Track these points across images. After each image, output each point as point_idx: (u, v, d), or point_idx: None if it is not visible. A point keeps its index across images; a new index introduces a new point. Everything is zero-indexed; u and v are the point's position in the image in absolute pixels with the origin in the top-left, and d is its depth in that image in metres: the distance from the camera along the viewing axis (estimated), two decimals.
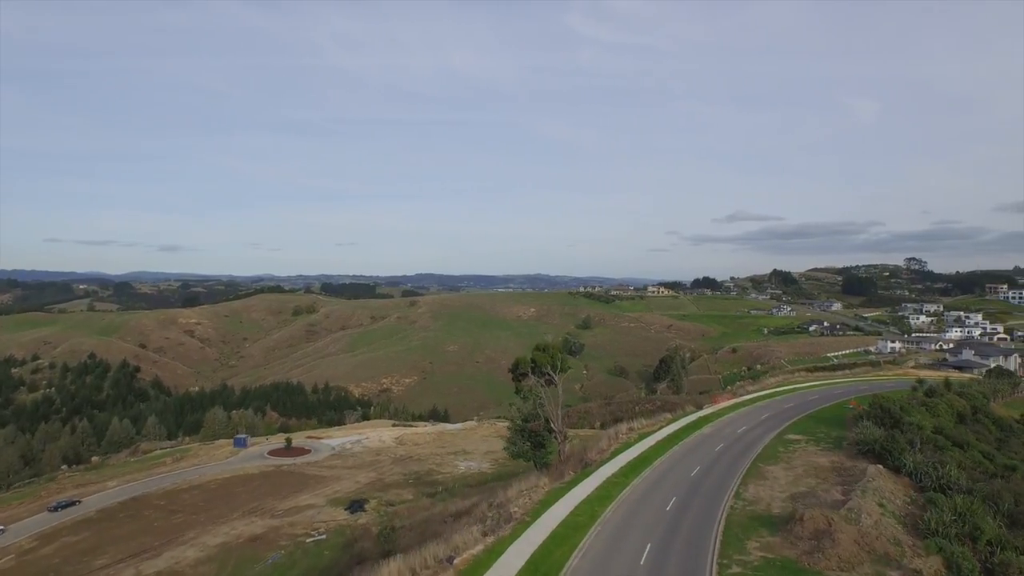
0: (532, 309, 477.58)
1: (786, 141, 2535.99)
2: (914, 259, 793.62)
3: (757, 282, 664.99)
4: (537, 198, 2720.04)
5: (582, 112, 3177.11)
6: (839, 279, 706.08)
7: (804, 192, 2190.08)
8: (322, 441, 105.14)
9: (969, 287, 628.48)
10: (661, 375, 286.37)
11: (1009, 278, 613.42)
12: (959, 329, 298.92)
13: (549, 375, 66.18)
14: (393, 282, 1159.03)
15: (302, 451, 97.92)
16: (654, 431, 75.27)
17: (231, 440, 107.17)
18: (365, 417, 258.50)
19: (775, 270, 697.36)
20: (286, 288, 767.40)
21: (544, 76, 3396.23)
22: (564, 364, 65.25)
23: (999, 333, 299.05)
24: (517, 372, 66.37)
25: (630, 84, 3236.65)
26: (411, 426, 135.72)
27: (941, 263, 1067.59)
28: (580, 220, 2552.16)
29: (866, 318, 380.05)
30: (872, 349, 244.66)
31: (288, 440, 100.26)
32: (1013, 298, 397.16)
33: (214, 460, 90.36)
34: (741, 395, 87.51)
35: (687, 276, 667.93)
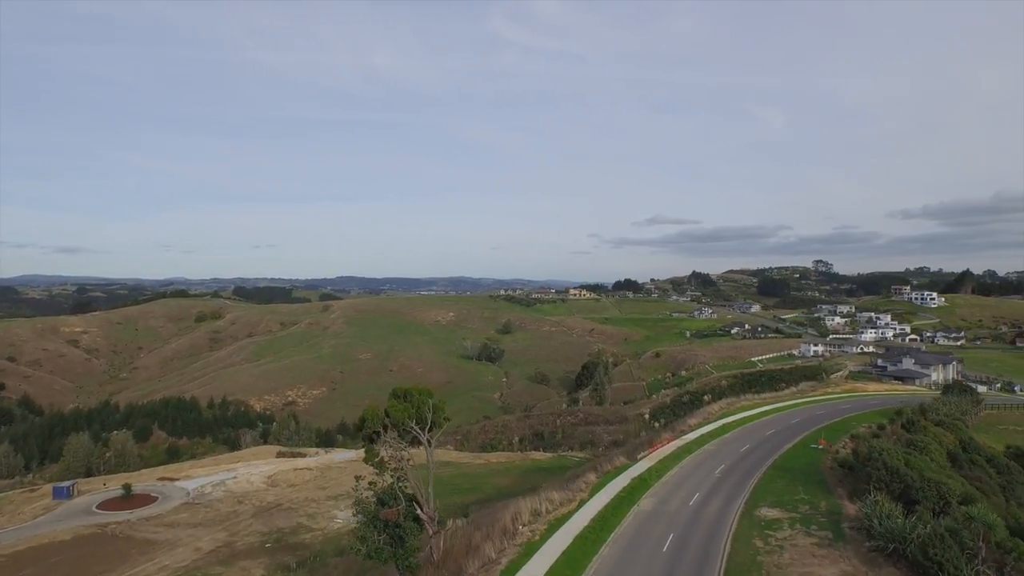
0: (451, 313, 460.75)
1: (702, 147, 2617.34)
2: (821, 261, 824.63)
3: (677, 284, 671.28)
4: (461, 200, 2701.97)
5: (505, 116, 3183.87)
6: (754, 280, 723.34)
7: (719, 196, 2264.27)
8: (176, 483, 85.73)
9: (871, 287, 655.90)
10: (584, 382, 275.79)
11: (903, 279, 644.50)
12: (873, 330, 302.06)
13: (416, 434, 45.41)
14: (312, 285, 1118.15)
15: (146, 499, 78.49)
16: (571, 512, 50.48)
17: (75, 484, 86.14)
18: (265, 435, 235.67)
19: (694, 272, 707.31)
20: (196, 292, 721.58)
21: (467, 79, 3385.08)
22: (440, 416, 47.32)
23: (909, 334, 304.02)
24: (365, 431, 45.57)
25: (553, 89, 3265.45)
26: (299, 454, 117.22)
27: (844, 265, 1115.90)
28: (504, 223, 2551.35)
29: (784, 320, 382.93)
30: (796, 352, 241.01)
31: (127, 487, 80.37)
32: (916, 299, 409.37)
33: (18, 519, 70.08)
34: (683, 432, 65.61)
35: (609, 278, 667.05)
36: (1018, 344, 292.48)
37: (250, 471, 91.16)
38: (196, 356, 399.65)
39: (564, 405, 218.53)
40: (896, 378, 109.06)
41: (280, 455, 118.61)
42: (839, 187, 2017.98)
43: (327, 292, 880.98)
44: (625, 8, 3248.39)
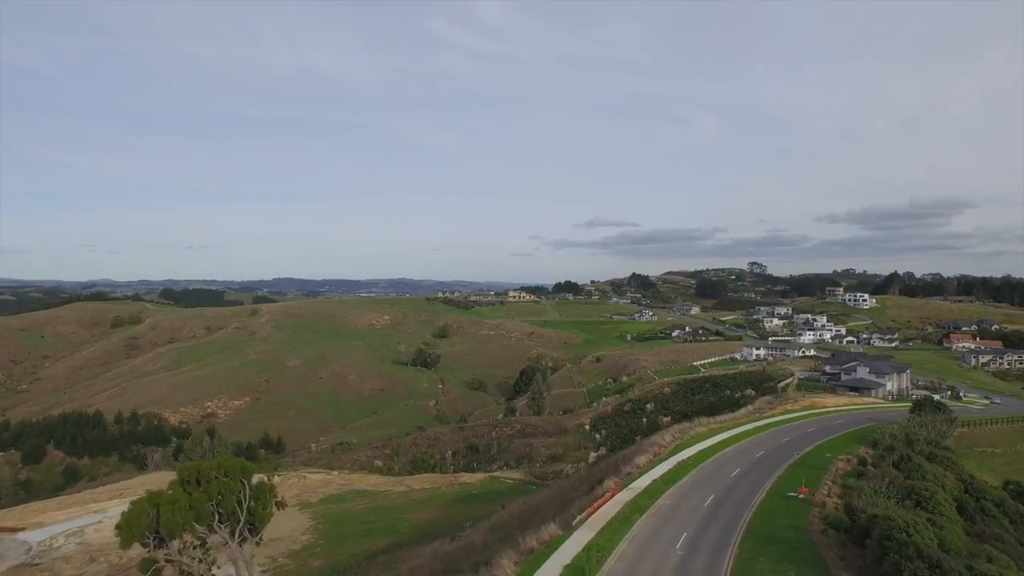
0: (386, 317, 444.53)
1: (640, 151, 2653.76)
2: (755, 263, 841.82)
3: (617, 286, 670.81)
4: (402, 201, 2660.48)
5: (446, 117, 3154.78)
6: (692, 282, 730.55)
7: (657, 199, 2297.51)
8: (17, 536, 70.43)
9: (803, 288, 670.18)
10: (522, 388, 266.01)
11: (833, 280, 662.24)
12: (811, 332, 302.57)
13: (224, 536, 31.16)
14: (248, 287, 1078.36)
15: None
16: None
17: None
18: (178, 452, 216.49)
19: (634, 274, 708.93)
20: (118, 295, 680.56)
21: (407, 79, 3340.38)
22: (266, 504, 33.49)
23: (845, 336, 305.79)
24: (154, 540, 28.66)
25: (493, 91, 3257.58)
26: None
27: (777, 267, 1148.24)
28: (445, 224, 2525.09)
29: (724, 322, 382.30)
30: (738, 356, 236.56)
31: None
32: (849, 300, 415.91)
33: None
34: (630, 474, 47.22)
35: (549, 280, 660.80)
36: (945, 344, 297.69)
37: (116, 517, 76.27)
38: (110, 365, 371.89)
39: (500, 415, 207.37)
40: (851, 388, 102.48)
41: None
42: (770, 192, 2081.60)
43: (262, 295, 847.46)
44: (565, 13, 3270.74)
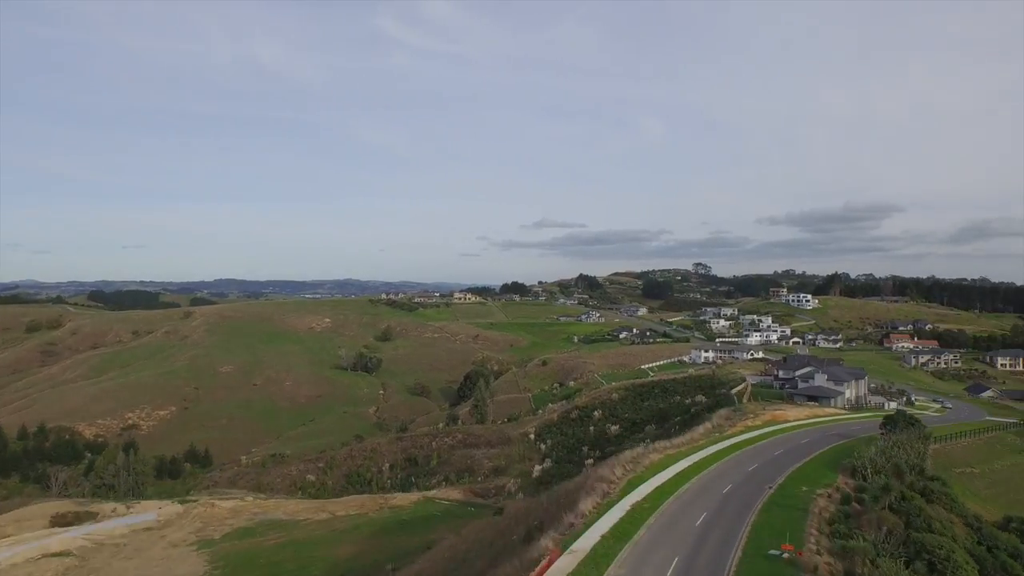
0: (327, 319, 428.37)
1: (587, 152, 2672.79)
2: (700, 264, 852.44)
3: (564, 286, 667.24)
4: (349, 201, 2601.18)
5: (396, 116, 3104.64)
6: (639, 283, 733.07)
7: (604, 201, 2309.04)
8: None
9: (746, 289, 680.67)
10: (466, 393, 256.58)
11: (775, 281, 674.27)
12: (757, 333, 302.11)
13: None
14: (187, 289, 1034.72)
15: None
16: None
17: None
18: (89, 470, 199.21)
19: (581, 275, 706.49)
20: (43, 297, 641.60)
21: (356, 78, 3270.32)
22: None
23: (791, 336, 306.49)
24: None
25: (442, 91, 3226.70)
26: (88, 515, 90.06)
27: (721, 267, 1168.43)
28: (393, 224, 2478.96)
29: (671, 323, 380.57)
30: (686, 359, 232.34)
31: None
32: (792, 301, 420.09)
33: None
34: (573, 527, 36.95)
35: (498, 281, 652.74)
36: (885, 344, 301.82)
37: None
38: (21, 374, 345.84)
39: (442, 424, 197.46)
40: (810, 397, 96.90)
41: (57, 519, 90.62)
42: (713, 194, 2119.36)
43: (200, 296, 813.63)
44: (515, 14, 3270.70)
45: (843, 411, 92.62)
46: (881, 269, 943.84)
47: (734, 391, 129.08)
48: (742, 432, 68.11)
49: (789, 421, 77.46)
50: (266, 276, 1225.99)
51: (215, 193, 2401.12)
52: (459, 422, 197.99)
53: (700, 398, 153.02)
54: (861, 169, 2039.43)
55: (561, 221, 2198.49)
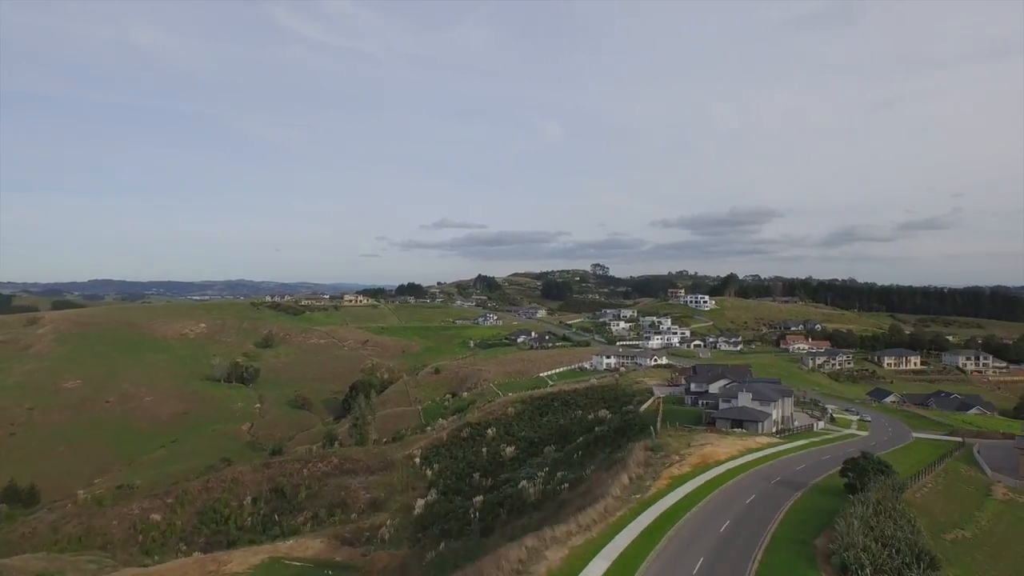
0: (202, 324, 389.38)
1: (488, 153, 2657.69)
2: (598, 265, 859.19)
3: (463, 288, 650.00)
4: (242, 199, 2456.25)
5: (291, 111, 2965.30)
6: (538, 284, 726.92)
7: (504, 202, 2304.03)
8: None
9: (643, 289, 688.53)
10: (351, 406, 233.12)
11: (670, 282, 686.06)
12: (658, 336, 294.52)
13: None
14: (53, 290, 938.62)
15: None
16: None
17: None
18: None
19: (480, 275, 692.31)
20: None
21: (247, 70, 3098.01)
22: None
23: (692, 339, 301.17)
24: None
25: (340, 87, 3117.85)
26: None
27: (618, 268, 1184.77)
28: (289, 223, 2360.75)
29: (570, 325, 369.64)
30: (587, 365, 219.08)
31: None
32: (690, 302, 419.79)
33: None
34: None
35: (398, 282, 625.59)
36: (782, 346, 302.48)
37: None
38: None
39: (315, 447, 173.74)
40: (735, 422, 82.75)
41: None
42: (610, 197, 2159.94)
43: (66, 299, 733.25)
44: (414, 12, 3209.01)
45: (775, 439, 79.10)
46: (764, 270, 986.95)
47: (643, 408, 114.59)
48: (669, 489, 51.73)
49: (722, 462, 62.11)
50: (150, 277, 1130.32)
51: (90, 187, 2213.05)
52: (337, 443, 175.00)
53: (604, 413, 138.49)
54: (745, 176, 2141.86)
55: (461, 222, 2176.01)
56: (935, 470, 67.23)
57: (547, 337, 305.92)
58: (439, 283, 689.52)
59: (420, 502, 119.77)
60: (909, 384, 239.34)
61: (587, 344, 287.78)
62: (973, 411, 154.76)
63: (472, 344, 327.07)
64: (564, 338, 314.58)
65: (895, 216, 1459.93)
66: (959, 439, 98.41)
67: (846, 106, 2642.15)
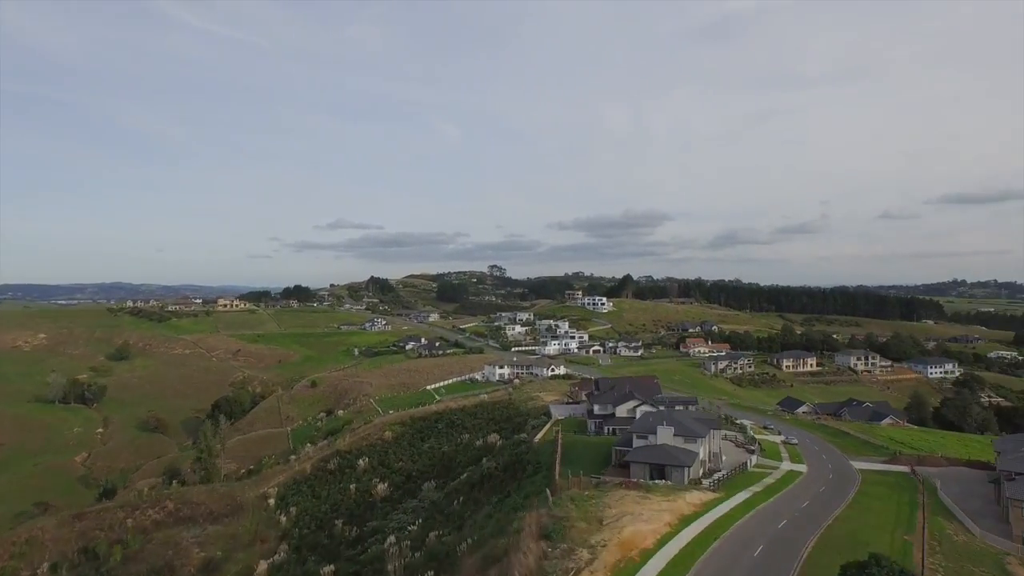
0: (41, 335, 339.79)
1: (384, 154, 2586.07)
2: (496, 266, 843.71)
3: (354, 290, 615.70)
4: (118, 195, 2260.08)
5: (173, 104, 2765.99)
6: (434, 286, 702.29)
7: (401, 202, 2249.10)
8: None
9: (540, 290, 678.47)
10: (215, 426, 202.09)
11: (567, 283, 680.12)
12: (555, 341, 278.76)
13: None
14: None
15: None
16: None
17: None
18: None
19: (372, 277, 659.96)
20: None
21: (125, 56, 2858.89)
22: None
23: (590, 344, 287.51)
24: None
25: (226, 79, 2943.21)
26: None
27: (515, 270, 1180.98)
28: (173, 222, 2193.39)
29: (464, 330, 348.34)
30: (479, 376, 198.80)
31: None
32: (588, 304, 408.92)
33: None
34: None
35: (289, 283, 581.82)
36: (682, 349, 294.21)
37: None
38: None
39: (147, 489, 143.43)
40: (654, 467, 63.71)
41: None
42: (508, 199, 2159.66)
43: None
44: (308, 6, 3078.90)
45: (709, 493, 60.45)
46: (657, 271, 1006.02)
47: (538, 437, 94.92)
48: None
49: (651, 553, 42.88)
50: (8, 279, 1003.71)
51: None
52: (179, 479, 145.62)
53: (494, 438, 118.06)
54: (637, 180, 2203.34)
55: (358, 222, 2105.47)
56: (923, 535, 51.16)
57: (438, 344, 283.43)
58: (332, 285, 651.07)
59: (263, 564, 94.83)
60: (808, 387, 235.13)
61: (480, 351, 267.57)
62: (887, 421, 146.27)
63: (357, 352, 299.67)
64: (456, 344, 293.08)
65: (773, 221, 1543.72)
66: (906, 469, 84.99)
67: (729, 117, 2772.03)
